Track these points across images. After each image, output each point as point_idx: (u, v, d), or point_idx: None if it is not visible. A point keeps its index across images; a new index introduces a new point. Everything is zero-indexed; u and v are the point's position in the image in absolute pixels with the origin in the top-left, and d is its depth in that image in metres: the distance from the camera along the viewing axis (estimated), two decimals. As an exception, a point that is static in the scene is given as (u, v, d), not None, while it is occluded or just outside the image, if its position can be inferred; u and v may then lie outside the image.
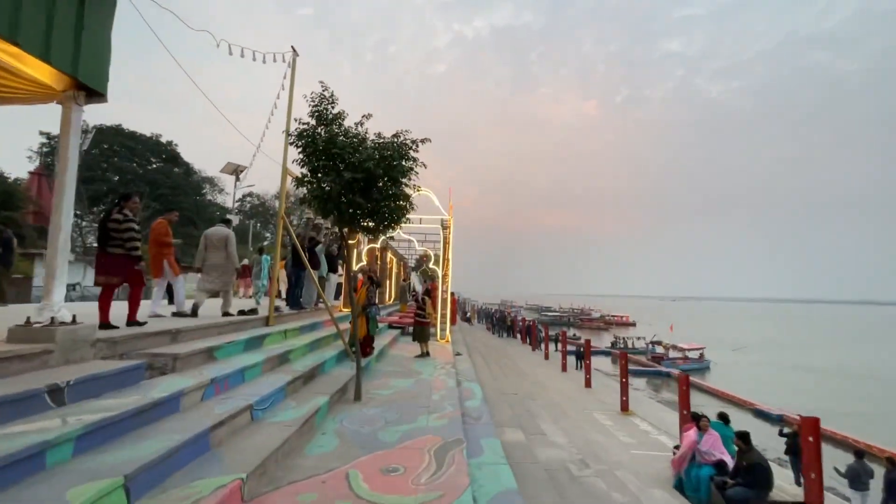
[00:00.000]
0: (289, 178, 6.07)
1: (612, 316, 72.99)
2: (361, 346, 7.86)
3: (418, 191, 5.74)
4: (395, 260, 22.88)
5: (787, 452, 9.59)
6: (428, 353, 9.47)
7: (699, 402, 24.94)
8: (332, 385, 5.70)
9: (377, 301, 8.25)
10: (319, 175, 5.03)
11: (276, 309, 8.14)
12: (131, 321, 4.85)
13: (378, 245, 14.05)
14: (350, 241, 13.00)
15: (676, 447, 7.55)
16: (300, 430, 4.07)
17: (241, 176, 16.37)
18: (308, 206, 5.17)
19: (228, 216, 7.92)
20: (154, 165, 41.55)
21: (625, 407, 11.66)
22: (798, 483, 8.96)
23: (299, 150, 5.13)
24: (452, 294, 21.44)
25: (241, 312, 7.19)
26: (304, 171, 5.23)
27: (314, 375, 5.99)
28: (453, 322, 19.92)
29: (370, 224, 5.45)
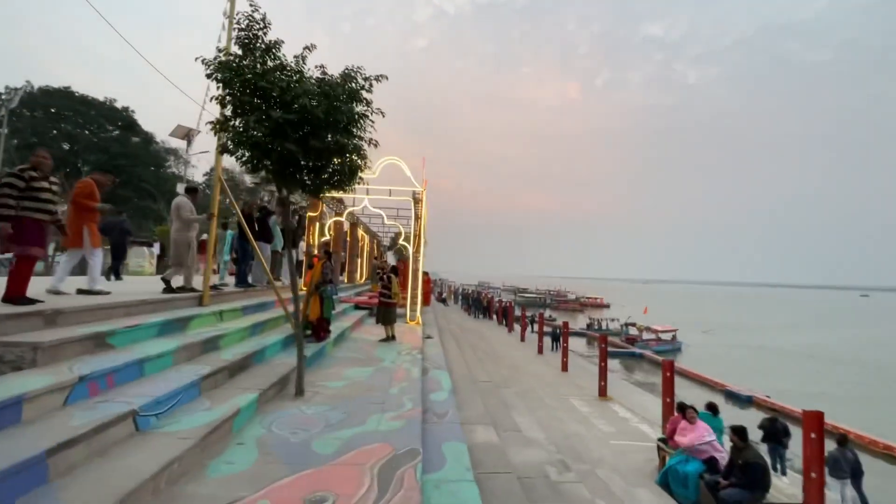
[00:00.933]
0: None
1: (587, 298, 73.82)
2: (315, 329, 6.90)
3: (374, 145, 4.70)
4: (366, 237, 21.74)
5: (764, 440, 9.15)
6: (394, 337, 8.56)
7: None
8: (268, 377, 4.72)
9: (334, 279, 7.23)
10: (241, 115, 3.92)
11: (214, 287, 7.06)
12: (8, 297, 3.78)
13: (344, 218, 12.94)
14: (311, 213, 11.88)
15: (661, 440, 6.95)
16: (204, 443, 3.11)
17: (192, 140, 14.81)
18: (231, 156, 4.08)
19: (190, 184, 6.73)
20: (110, 133, 38.66)
21: (603, 392, 11.10)
22: (776, 469, 8.59)
23: (218, 86, 4.01)
24: (426, 274, 20.54)
25: (168, 290, 6.11)
26: (226, 112, 4.12)
27: (247, 366, 5.00)
28: (426, 303, 19.06)
29: (311, 182, 4.38)
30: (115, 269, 8.80)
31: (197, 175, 41.17)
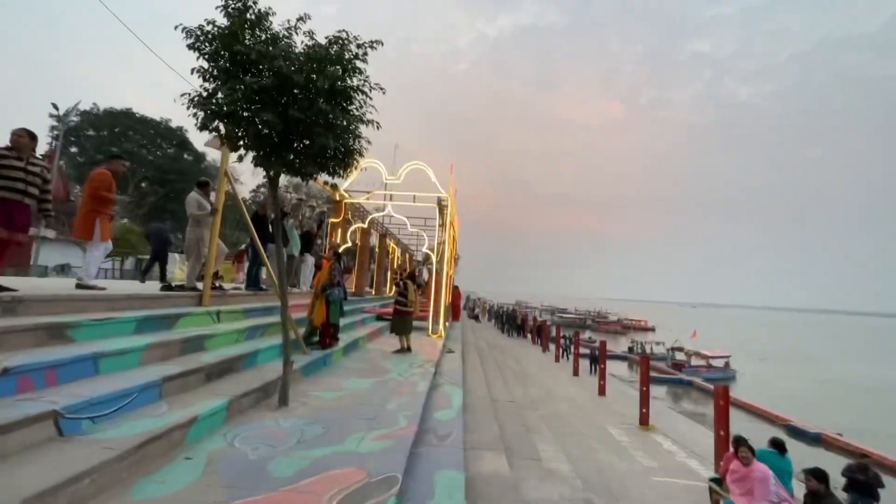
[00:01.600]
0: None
1: (630, 320, 70.38)
2: (321, 336, 6.39)
3: (375, 126, 4.18)
4: (397, 250, 21.43)
5: (847, 489, 7.64)
6: (409, 349, 7.93)
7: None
8: (249, 383, 4.20)
9: (343, 282, 6.73)
10: (213, 82, 3.49)
11: (218, 288, 6.72)
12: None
13: (365, 224, 12.58)
14: (334, 219, 11.61)
15: (714, 480, 5.85)
16: (138, 455, 2.58)
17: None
18: (203, 131, 3.65)
19: (204, 178, 6.53)
20: (165, 151, 41.04)
21: (644, 420, 9.91)
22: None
23: (199, 57, 3.61)
24: (456, 287, 19.89)
25: (166, 287, 5.81)
26: (206, 86, 3.72)
27: (232, 370, 4.51)
28: (455, 317, 18.35)
29: (299, 163, 3.87)
30: (146, 271, 8.73)
31: (244, 191, 42.85)
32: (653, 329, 66.99)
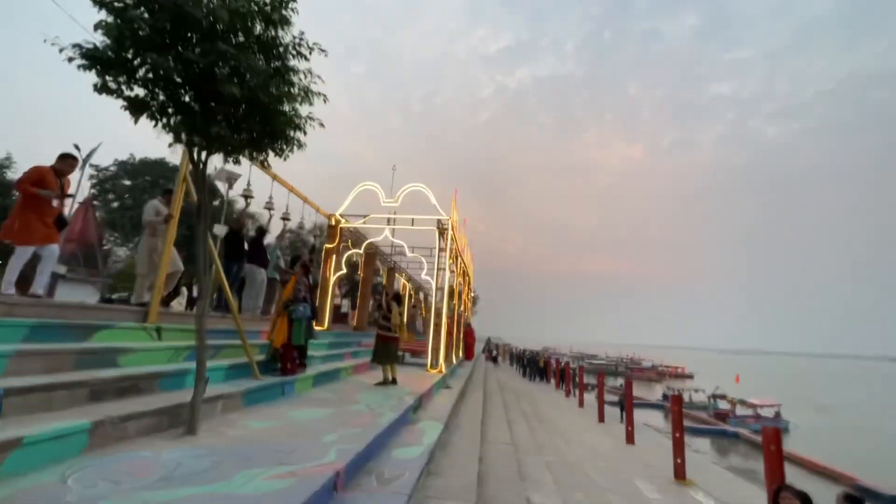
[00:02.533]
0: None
1: (666, 366, 66.15)
2: (281, 359, 5.53)
3: (321, 98, 3.53)
4: (408, 285, 20.60)
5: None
6: (394, 381, 6.91)
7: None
8: (151, 405, 3.35)
9: (311, 298, 5.91)
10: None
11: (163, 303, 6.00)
12: None
13: (362, 250, 11.87)
14: (329, 245, 10.97)
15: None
16: None
17: (233, 183, 14.88)
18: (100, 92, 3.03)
19: (169, 187, 6.01)
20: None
21: (680, 473, 8.34)
22: None
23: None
24: (468, 325, 18.73)
25: (106, 300, 5.14)
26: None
27: (139, 389, 3.66)
28: (468, 357, 17.10)
29: (215, 131, 3.19)
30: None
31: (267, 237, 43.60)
32: (691, 376, 62.54)
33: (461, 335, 16.70)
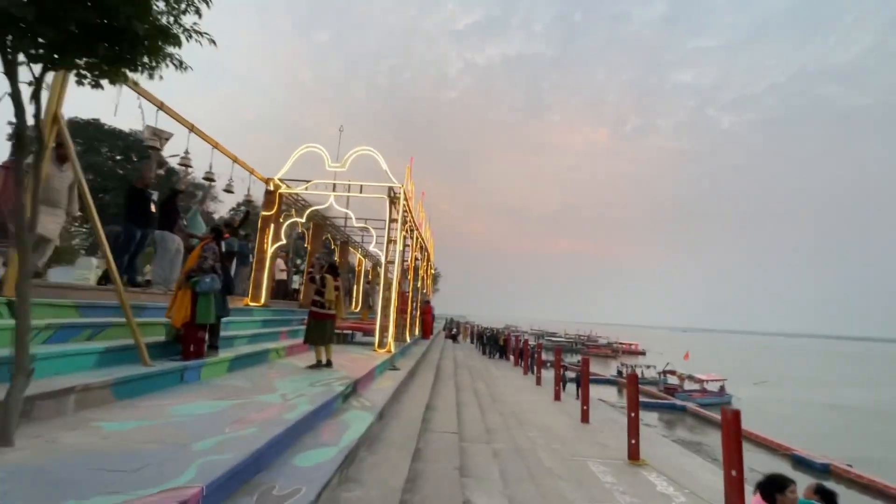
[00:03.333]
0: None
1: (621, 343, 68.71)
2: (184, 340, 4.61)
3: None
4: (364, 261, 19.65)
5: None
6: (328, 364, 6.14)
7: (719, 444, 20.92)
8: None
9: (220, 269, 4.97)
10: None
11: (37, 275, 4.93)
12: None
13: (303, 218, 10.79)
14: (266, 212, 9.89)
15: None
16: None
17: (163, 144, 13.30)
18: None
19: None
20: (135, 165, 39.23)
21: (634, 454, 8.10)
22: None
23: None
24: (427, 303, 18.11)
25: None
26: None
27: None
28: (426, 335, 16.51)
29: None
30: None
31: (223, 210, 40.94)
32: (643, 353, 65.26)
33: (418, 312, 16.04)
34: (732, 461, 5.30)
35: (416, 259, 15.92)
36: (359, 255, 19.26)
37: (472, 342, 33.63)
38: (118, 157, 38.39)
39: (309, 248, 13.08)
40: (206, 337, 4.99)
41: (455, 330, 30.50)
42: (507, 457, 5.65)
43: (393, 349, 9.18)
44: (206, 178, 9.37)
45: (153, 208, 6.20)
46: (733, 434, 5.35)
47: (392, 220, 9.42)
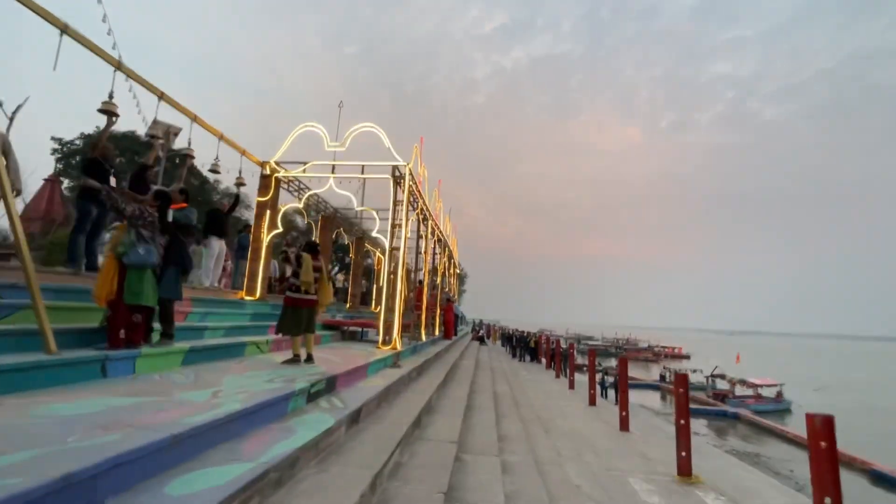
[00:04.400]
0: None
1: (663, 347, 65.19)
2: (111, 324, 3.76)
3: None
4: (382, 258, 18.82)
5: None
6: (310, 358, 5.20)
7: (787, 457, 18.72)
8: None
9: (158, 237, 4.10)
10: None
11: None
12: None
13: (301, 205, 9.94)
14: (261, 198, 9.13)
15: None
16: None
17: (174, 140, 12.91)
18: None
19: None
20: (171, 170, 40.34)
21: (685, 468, 6.72)
22: None
23: None
24: (448, 300, 17.03)
25: None
26: None
27: None
28: (447, 335, 15.44)
29: None
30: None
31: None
32: (688, 357, 61.60)
33: (438, 310, 15.00)
34: (825, 485, 3.95)
35: (435, 252, 14.93)
36: (378, 254, 18.44)
37: (501, 345, 32.27)
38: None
39: (318, 242, 12.32)
40: (155, 322, 4.16)
41: (482, 331, 29.19)
42: (522, 472, 4.51)
43: (400, 346, 8.18)
44: (212, 171, 8.82)
45: (113, 182, 5.47)
46: (826, 449, 4.01)
47: (397, 202, 8.45)
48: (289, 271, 5.48)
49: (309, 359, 5.18)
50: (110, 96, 5.77)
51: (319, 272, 5.47)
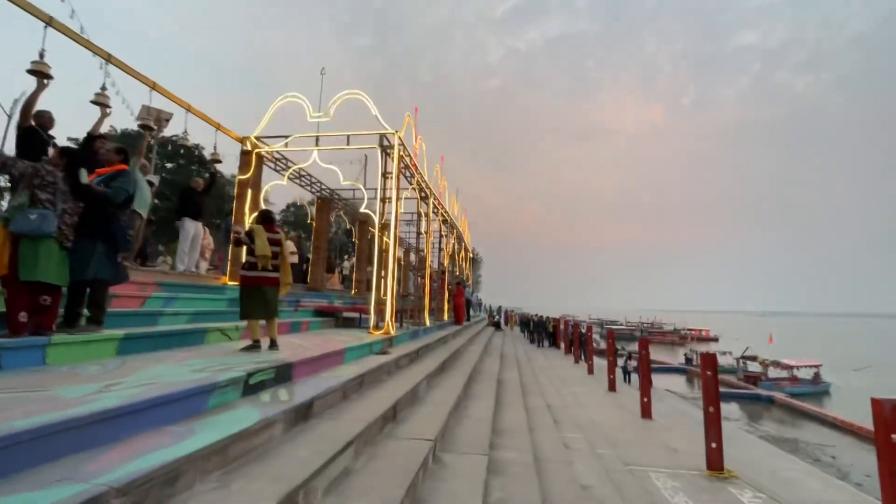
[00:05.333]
0: None
1: (689, 329, 63.15)
2: (8, 306, 3.15)
3: None
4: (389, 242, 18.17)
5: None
6: (273, 345, 4.55)
7: (828, 441, 17.47)
8: None
9: (58, 196, 3.46)
10: None
11: None
12: None
13: (285, 179, 9.23)
14: (242, 176, 8.51)
15: None
16: None
17: (164, 125, 12.42)
18: None
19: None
20: (184, 170, 40.55)
21: (716, 462, 5.85)
22: None
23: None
24: (458, 284, 16.28)
25: None
26: None
27: None
28: (458, 321, 14.72)
29: None
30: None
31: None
32: (716, 339, 59.44)
33: (446, 294, 14.29)
34: (891, 479, 3.09)
35: (441, 235, 14.18)
36: (386, 240, 17.80)
37: (521, 331, 31.45)
38: (169, 165, 39.89)
39: (314, 225, 11.73)
40: (83, 306, 3.57)
41: (497, 317, 28.38)
42: (516, 474, 3.76)
43: (394, 331, 7.51)
44: (213, 161, 8.38)
45: (51, 153, 4.88)
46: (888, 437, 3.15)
47: (386, 174, 7.71)
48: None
49: (273, 345, 4.53)
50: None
51: (279, 246, 4.79)
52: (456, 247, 17.81)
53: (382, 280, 7.69)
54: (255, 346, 4.44)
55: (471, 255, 24.02)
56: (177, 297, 5.72)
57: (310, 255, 11.93)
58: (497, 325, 25.10)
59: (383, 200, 7.67)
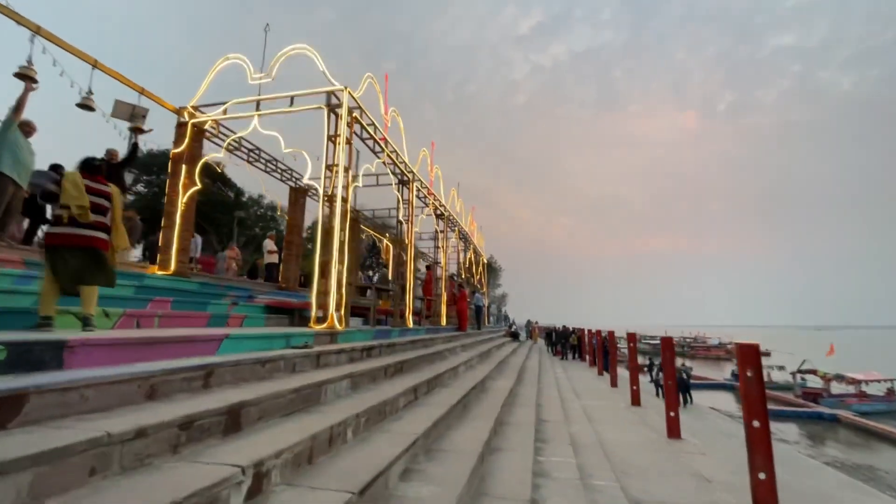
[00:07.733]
0: None
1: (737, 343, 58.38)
2: None
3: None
4: (390, 245, 16.90)
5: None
6: (87, 323, 3.21)
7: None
8: None
9: None
10: None
11: None
12: None
13: (224, 152, 8.01)
14: (176, 149, 7.31)
15: None
16: None
17: (142, 122, 11.67)
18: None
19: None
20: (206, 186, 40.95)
21: (765, 496, 3.99)
22: None
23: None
24: (461, 286, 14.70)
25: None
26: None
27: None
28: (462, 327, 13.10)
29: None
30: None
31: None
32: (767, 353, 54.44)
33: (444, 295, 12.75)
34: None
35: (439, 231, 12.78)
36: (385, 239, 16.55)
37: (545, 343, 29.33)
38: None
39: (287, 218, 10.56)
40: None
41: (514, 327, 26.33)
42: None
43: (340, 325, 6.07)
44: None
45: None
46: None
47: (332, 137, 6.39)
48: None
49: (87, 322, 3.20)
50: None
51: (108, 200, 3.46)
52: (458, 245, 16.38)
53: (328, 265, 6.28)
54: (44, 323, 3.09)
55: (483, 259, 22.40)
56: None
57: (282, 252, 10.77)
58: (514, 336, 23.22)
59: (329, 167, 6.33)
